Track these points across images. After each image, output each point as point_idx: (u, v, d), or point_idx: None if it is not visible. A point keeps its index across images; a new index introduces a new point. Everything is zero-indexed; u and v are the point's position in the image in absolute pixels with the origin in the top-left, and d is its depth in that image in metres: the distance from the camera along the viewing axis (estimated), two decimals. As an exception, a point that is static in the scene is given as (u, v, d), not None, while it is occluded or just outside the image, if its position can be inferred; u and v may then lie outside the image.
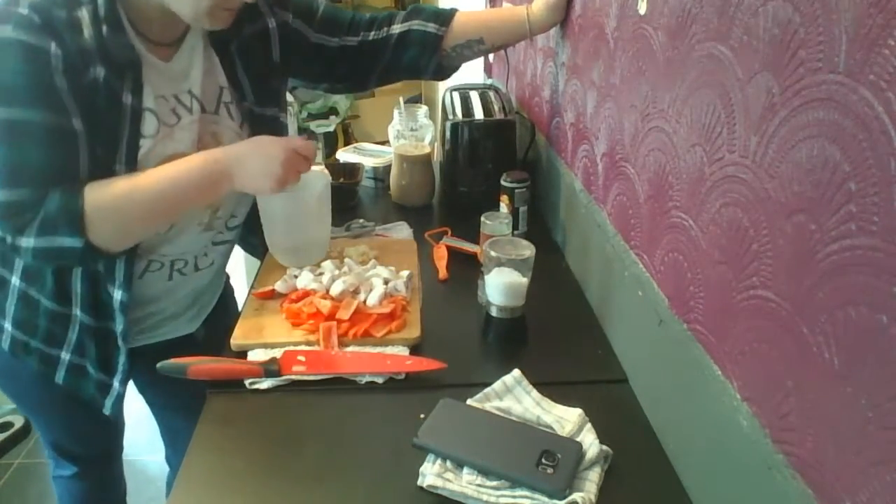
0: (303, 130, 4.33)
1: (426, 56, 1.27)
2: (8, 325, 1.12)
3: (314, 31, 1.22)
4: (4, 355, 1.14)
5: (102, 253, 0.95)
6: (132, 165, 0.98)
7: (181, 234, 1.10)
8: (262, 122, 1.16)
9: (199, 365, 0.96)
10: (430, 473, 0.78)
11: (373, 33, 1.26)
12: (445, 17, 1.27)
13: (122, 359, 1.12)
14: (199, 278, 1.22)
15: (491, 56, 2.27)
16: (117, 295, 1.05)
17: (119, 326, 1.08)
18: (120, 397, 1.15)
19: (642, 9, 0.93)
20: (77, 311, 1.08)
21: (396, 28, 1.26)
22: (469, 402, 0.89)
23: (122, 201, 0.95)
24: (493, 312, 1.06)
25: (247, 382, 0.96)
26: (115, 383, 1.14)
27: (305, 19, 1.21)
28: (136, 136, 0.98)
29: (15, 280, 1.08)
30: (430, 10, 1.29)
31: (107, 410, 1.15)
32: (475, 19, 1.32)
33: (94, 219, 0.92)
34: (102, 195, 0.93)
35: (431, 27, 1.26)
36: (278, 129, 1.20)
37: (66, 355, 1.12)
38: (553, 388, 0.93)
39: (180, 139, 1.04)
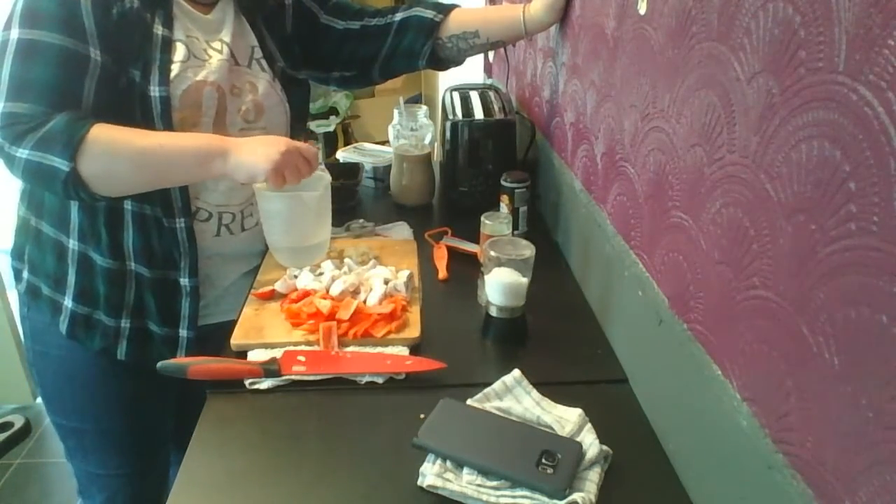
0: (303, 130, 4.32)
1: (421, 39, 1.33)
2: (69, 302, 1.13)
3: (324, 13, 1.32)
4: (61, 349, 1.16)
5: (87, 189, 0.96)
6: (165, 87, 1.04)
7: (219, 182, 1.15)
8: (295, 82, 1.26)
9: (199, 365, 0.96)
10: (430, 473, 0.78)
11: (376, 20, 1.34)
12: (444, 7, 1.35)
13: (185, 302, 1.16)
14: (246, 242, 1.24)
15: (491, 56, 2.27)
16: (180, 223, 1.11)
17: (183, 262, 1.14)
18: (192, 347, 1.18)
19: (642, 9, 0.93)
20: (132, 265, 1.12)
21: (399, 16, 1.34)
22: (469, 402, 0.89)
23: (120, 143, 0.97)
24: (493, 312, 1.06)
25: (247, 382, 0.96)
26: (183, 332, 1.17)
27: (318, 1, 1.32)
28: (168, 60, 1.05)
29: (73, 244, 1.11)
30: (430, 1, 1.36)
31: None
32: (473, 13, 1.39)
33: (89, 149, 0.94)
34: (107, 131, 0.96)
35: (429, 13, 1.33)
36: (306, 93, 1.33)
37: (125, 323, 1.15)
38: (553, 388, 0.93)
39: (211, 69, 1.10)
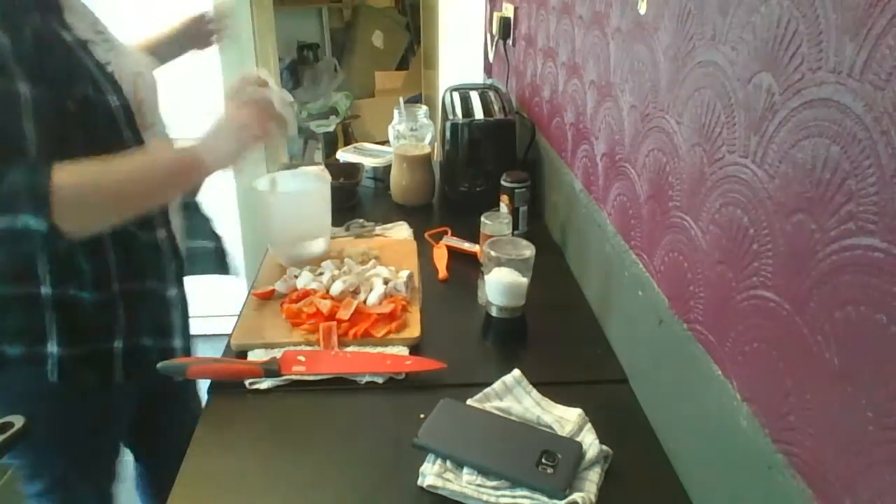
0: (303, 130, 4.33)
1: None
2: (53, 349, 1.00)
3: None
4: (52, 397, 1.04)
5: (66, 237, 0.88)
6: (119, 93, 0.95)
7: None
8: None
9: (199, 365, 0.96)
10: (430, 473, 0.78)
11: None
12: None
13: (175, 312, 1.08)
14: None
15: (491, 56, 2.27)
16: (160, 234, 1.04)
17: (168, 272, 1.06)
18: (187, 354, 1.09)
19: (642, 9, 0.93)
20: (117, 286, 1.01)
21: None
22: (469, 402, 0.89)
23: (90, 189, 0.89)
24: (493, 312, 1.06)
25: (247, 382, 0.96)
26: (177, 343, 1.09)
27: None
28: (100, 64, 0.94)
29: (45, 291, 0.98)
30: None
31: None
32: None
33: (60, 202, 0.84)
34: (71, 180, 0.86)
35: None
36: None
37: (118, 343, 1.04)
38: (553, 388, 0.93)
39: (135, 58, 1.03)
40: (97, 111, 0.93)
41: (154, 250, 1.06)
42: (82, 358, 1.02)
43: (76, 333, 1.01)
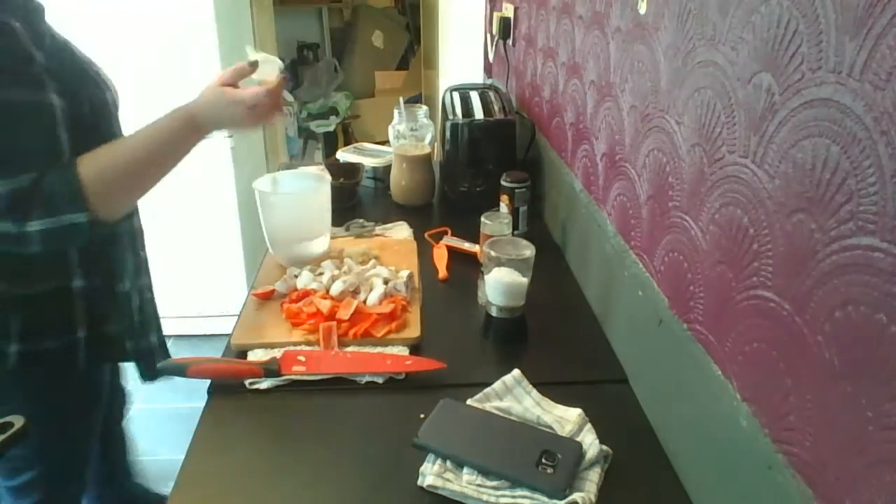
0: (303, 130, 4.33)
1: None
2: (83, 333, 1.07)
3: None
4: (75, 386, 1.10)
5: (105, 223, 0.95)
6: (108, 89, 1.03)
7: None
8: None
9: (199, 365, 0.96)
10: (430, 473, 0.78)
11: None
12: None
13: (149, 305, 1.17)
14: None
15: (491, 56, 2.27)
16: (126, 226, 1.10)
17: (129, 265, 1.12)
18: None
19: (642, 8, 0.93)
20: (79, 282, 1.07)
21: None
22: (469, 402, 0.89)
23: (110, 172, 0.94)
24: (493, 312, 1.06)
25: (247, 382, 0.96)
26: (153, 339, 1.21)
27: None
28: (85, 60, 1.02)
29: (77, 283, 1.04)
30: None
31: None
32: None
33: (92, 191, 0.91)
34: (92, 166, 0.92)
35: None
36: None
37: (81, 333, 1.09)
38: (553, 388, 0.93)
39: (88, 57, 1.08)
40: (101, 109, 1.00)
41: (117, 245, 1.10)
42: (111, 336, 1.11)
43: (36, 329, 1.04)
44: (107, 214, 0.95)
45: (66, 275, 1.04)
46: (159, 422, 2.27)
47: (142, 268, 1.18)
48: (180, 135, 1.00)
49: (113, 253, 1.10)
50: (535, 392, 0.91)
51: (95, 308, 1.08)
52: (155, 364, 1.14)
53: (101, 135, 0.99)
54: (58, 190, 0.90)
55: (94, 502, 1.41)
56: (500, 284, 1.03)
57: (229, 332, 1.07)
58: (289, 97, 3.96)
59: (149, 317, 1.21)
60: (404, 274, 1.17)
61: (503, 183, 1.35)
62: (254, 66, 1.04)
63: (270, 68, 1.06)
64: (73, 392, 1.15)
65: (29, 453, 1.15)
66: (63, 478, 1.23)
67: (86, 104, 0.97)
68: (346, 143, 3.87)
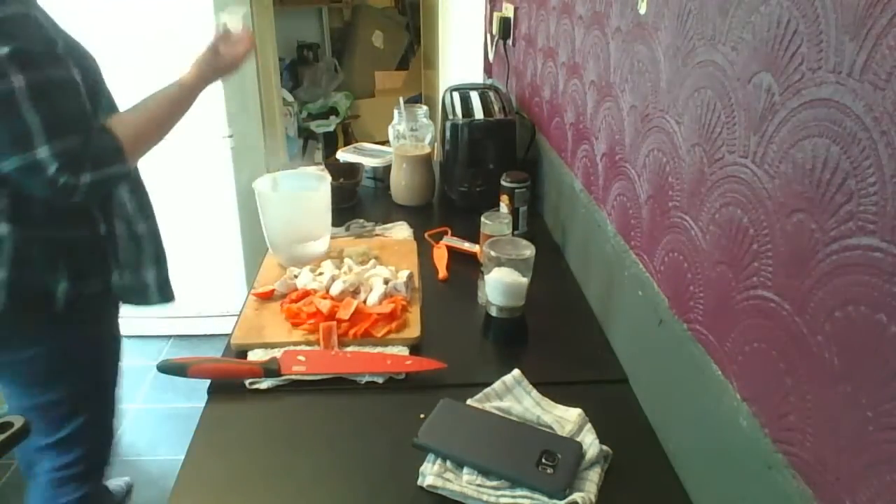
0: (303, 130, 4.33)
1: None
2: (116, 276, 1.28)
3: None
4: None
5: (131, 173, 1.21)
6: (93, 59, 1.22)
7: None
8: None
9: (199, 365, 0.96)
10: (430, 473, 0.78)
11: None
12: None
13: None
14: None
15: (491, 56, 2.27)
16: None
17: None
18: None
19: (642, 8, 0.93)
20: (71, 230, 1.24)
21: None
22: (469, 402, 0.89)
23: (139, 126, 1.17)
24: (493, 312, 1.06)
25: (247, 382, 0.96)
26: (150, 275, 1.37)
27: None
28: (69, 35, 1.17)
29: (103, 228, 1.24)
30: None
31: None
32: None
33: (127, 145, 1.14)
34: (121, 124, 1.15)
35: None
36: None
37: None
38: (553, 388, 0.93)
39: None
40: (96, 77, 1.19)
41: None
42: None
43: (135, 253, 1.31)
44: (134, 164, 1.19)
45: (94, 222, 1.23)
46: (159, 422, 2.27)
47: (147, 208, 1.34)
48: (182, 95, 1.24)
49: (118, 197, 1.28)
50: (535, 392, 0.91)
51: (121, 252, 1.28)
52: (170, 289, 1.39)
53: (99, 98, 1.19)
54: (102, 147, 1.11)
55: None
56: (500, 284, 1.03)
57: (229, 332, 1.07)
58: (288, 97, 3.98)
59: (160, 251, 1.38)
60: (404, 274, 1.17)
61: (503, 183, 1.35)
62: (226, 29, 1.32)
63: (235, 21, 1.34)
64: (107, 334, 1.36)
65: (71, 401, 1.32)
66: (102, 425, 1.43)
67: (88, 75, 1.15)
68: (346, 143, 3.87)
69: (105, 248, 1.25)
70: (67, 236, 1.19)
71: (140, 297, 1.33)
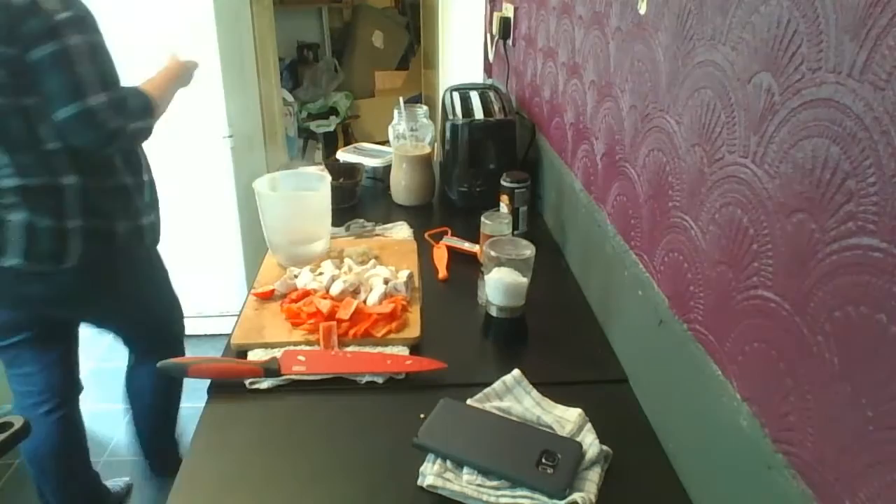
0: (303, 130, 4.33)
1: None
2: (154, 217, 1.58)
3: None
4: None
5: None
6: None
7: None
8: None
9: (199, 365, 0.96)
10: (430, 473, 0.78)
11: None
12: None
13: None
14: None
15: (491, 56, 2.27)
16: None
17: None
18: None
19: (642, 8, 0.93)
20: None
21: None
22: (469, 402, 0.89)
23: (153, 95, 1.43)
24: (493, 312, 1.06)
25: (247, 382, 0.96)
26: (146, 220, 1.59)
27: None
28: None
29: (127, 180, 1.47)
30: None
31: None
32: None
33: (153, 104, 1.43)
34: (150, 90, 1.44)
35: None
36: None
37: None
38: (553, 388, 0.93)
39: None
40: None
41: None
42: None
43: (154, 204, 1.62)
44: (155, 123, 1.44)
45: (136, 170, 1.49)
46: (159, 422, 2.27)
47: (147, 163, 1.58)
48: (175, 73, 1.57)
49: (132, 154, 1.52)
50: (535, 392, 0.91)
51: (146, 196, 1.53)
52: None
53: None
54: (139, 102, 1.38)
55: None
56: (500, 284, 1.03)
57: (229, 332, 1.07)
58: (288, 97, 3.99)
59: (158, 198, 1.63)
60: (404, 274, 1.17)
61: (503, 183, 1.35)
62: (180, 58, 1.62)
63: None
64: (153, 266, 1.66)
65: (136, 325, 1.69)
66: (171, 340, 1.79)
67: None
68: (346, 143, 3.87)
69: (142, 192, 1.51)
70: (120, 183, 1.44)
71: (153, 236, 1.59)
